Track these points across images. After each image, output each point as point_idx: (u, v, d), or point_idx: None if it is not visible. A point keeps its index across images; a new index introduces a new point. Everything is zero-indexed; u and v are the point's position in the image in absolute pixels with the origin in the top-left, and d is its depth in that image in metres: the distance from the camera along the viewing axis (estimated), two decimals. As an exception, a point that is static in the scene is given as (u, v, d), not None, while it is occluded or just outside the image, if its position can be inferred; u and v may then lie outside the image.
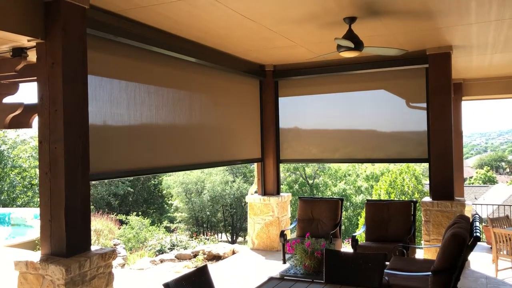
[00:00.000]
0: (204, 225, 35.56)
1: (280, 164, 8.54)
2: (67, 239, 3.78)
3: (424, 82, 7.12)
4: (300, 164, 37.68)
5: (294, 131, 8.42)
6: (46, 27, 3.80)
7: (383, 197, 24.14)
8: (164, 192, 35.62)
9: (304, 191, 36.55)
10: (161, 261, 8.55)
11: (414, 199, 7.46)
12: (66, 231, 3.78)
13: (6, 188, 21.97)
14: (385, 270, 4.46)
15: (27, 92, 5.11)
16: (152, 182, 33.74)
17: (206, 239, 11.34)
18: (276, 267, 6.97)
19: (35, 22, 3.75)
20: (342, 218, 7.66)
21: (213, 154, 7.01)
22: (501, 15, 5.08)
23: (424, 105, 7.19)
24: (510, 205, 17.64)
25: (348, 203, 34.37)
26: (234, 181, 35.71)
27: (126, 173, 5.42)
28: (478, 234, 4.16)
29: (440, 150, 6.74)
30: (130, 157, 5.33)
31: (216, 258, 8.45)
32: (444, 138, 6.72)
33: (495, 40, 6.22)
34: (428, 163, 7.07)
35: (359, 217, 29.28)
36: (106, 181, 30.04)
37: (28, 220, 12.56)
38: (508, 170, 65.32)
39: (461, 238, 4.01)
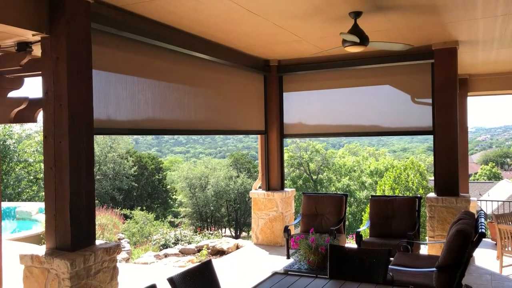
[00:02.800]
0: (208, 220, 35.69)
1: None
2: (71, 233, 3.80)
3: (430, 78, 7.08)
4: (304, 159, 37.69)
5: (298, 126, 8.40)
6: (50, 22, 3.81)
7: (388, 193, 24.10)
8: (169, 187, 35.76)
9: (308, 187, 36.58)
10: (165, 255, 8.58)
11: (419, 195, 7.43)
12: (71, 225, 3.79)
13: (11, 183, 22.10)
14: (390, 266, 4.45)
15: (32, 87, 5.12)
16: (157, 177, 33.87)
17: (210, 234, 11.38)
18: (280, 262, 6.98)
19: (39, 16, 3.75)
20: (346, 213, 7.65)
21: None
22: (508, 10, 5.03)
23: (430, 100, 7.15)
24: (515, 202, 17.53)
25: (352, 199, 34.37)
26: (238, 176, 35.80)
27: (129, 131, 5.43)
28: (483, 230, 4.14)
29: (445, 145, 6.71)
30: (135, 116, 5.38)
31: (220, 253, 8.48)
32: (449, 133, 6.68)
33: (501, 35, 6.17)
34: (432, 135, 7.01)
35: (363, 213, 29.28)
36: (110, 175, 30.25)
37: (33, 214, 12.63)
38: (513, 166, 65.01)
39: (466, 235, 3.99)
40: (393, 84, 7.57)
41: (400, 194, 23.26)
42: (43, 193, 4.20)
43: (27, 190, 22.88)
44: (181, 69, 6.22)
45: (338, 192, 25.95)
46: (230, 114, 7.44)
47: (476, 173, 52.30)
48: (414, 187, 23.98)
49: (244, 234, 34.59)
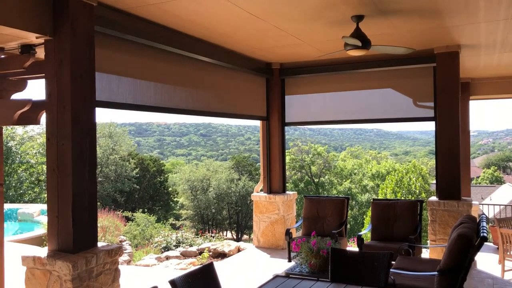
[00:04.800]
0: (210, 223, 35.67)
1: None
2: (74, 235, 3.81)
3: (432, 81, 7.09)
4: (306, 162, 37.65)
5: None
6: (54, 25, 3.82)
7: (389, 196, 24.07)
8: (170, 189, 35.77)
9: (309, 190, 36.55)
10: (167, 258, 8.58)
11: (421, 199, 7.42)
12: (73, 227, 3.80)
13: (14, 184, 22.13)
14: (391, 270, 4.45)
15: (35, 89, 5.14)
16: (158, 179, 33.89)
17: (211, 236, 11.37)
18: (281, 265, 6.98)
19: (43, 19, 3.77)
20: (348, 217, 7.64)
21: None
22: (510, 14, 5.04)
23: (432, 104, 7.16)
24: (517, 206, 17.47)
25: (354, 202, 34.32)
26: (239, 179, 35.80)
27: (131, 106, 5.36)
28: (485, 234, 4.13)
29: (447, 149, 6.70)
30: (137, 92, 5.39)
31: (222, 255, 8.47)
32: (451, 137, 6.68)
33: (503, 39, 6.17)
34: (434, 122, 6.99)
35: (364, 216, 29.25)
36: (112, 178, 30.27)
37: (35, 216, 12.65)
38: (515, 170, 64.83)
39: (468, 238, 3.99)
40: (395, 88, 7.58)
41: (402, 198, 23.22)
42: (45, 195, 4.22)
43: (29, 192, 22.91)
44: (183, 71, 6.24)
45: (340, 195, 25.97)
46: (233, 104, 7.52)
47: (478, 177, 52.22)
48: (416, 190, 23.95)
49: (245, 236, 34.56)
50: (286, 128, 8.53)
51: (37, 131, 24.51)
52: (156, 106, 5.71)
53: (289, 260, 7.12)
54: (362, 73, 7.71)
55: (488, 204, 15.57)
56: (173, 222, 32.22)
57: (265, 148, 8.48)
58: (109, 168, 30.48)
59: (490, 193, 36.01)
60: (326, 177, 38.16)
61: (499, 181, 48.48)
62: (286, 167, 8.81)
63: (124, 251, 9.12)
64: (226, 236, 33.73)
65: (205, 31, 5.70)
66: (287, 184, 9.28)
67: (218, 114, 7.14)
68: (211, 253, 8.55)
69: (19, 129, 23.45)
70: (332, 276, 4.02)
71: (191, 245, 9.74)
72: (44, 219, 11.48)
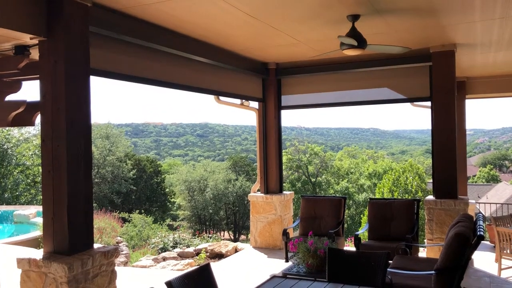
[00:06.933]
0: (207, 223, 35.68)
1: (282, 110, 8.41)
2: (69, 237, 3.78)
3: (428, 80, 7.09)
4: (303, 162, 37.67)
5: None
6: (48, 25, 3.80)
7: (386, 195, 24.09)
8: (167, 190, 35.73)
9: (306, 189, 36.61)
10: (164, 259, 8.55)
11: (418, 198, 7.42)
12: (69, 229, 3.78)
13: (9, 186, 22.05)
14: (388, 269, 4.44)
15: (30, 90, 5.11)
16: (155, 180, 33.85)
17: (209, 237, 11.35)
18: (278, 266, 6.97)
19: (38, 20, 3.75)
20: (345, 216, 7.64)
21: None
22: (506, 13, 5.05)
23: (428, 103, 7.16)
24: (513, 204, 17.52)
25: (351, 202, 34.38)
26: (236, 179, 35.81)
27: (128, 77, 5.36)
28: (481, 233, 4.14)
29: (444, 148, 6.71)
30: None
31: (219, 256, 8.46)
32: (447, 136, 6.69)
33: (499, 38, 6.18)
34: (430, 102, 7.00)
35: (361, 216, 29.27)
36: (109, 179, 30.19)
37: (31, 217, 12.59)
38: (511, 168, 65.10)
39: (465, 237, 3.99)
40: (391, 87, 7.58)
41: (399, 197, 23.25)
42: (41, 197, 4.18)
43: (25, 194, 22.84)
44: (178, 71, 6.22)
45: (337, 195, 26.02)
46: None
47: (474, 176, 52.42)
48: (413, 189, 23.98)
49: (243, 237, 34.58)
50: (283, 128, 8.52)
51: (33, 132, 24.45)
52: (153, 79, 5.70)
53: (286, 260, 7.11)
54: (358, 73, 7.71)
55: (485, 203, 15.64)
56: (170, 223, 32.18)
57: (261, 136, 8.41)
58: (105, 169, 30.43)
59: (486, 191, 36.16)
60: (323, 176, 38.21)
61: (495, 180, 48.70)
62: (283, 167, 8.79)
63: (121, 253, 9.08)
64: (223, 236, 33.72)
65: (200, 31, 5.69)
66: (284, 184, 9.26)
67: (214, 92, 7.13)
68: (208, 254, 8.53)
69: (15, 131, 23.38)
70: (329, 276, 4.01)
71: (188, 246, 9.72)
72: (40, 221, 11.42)
